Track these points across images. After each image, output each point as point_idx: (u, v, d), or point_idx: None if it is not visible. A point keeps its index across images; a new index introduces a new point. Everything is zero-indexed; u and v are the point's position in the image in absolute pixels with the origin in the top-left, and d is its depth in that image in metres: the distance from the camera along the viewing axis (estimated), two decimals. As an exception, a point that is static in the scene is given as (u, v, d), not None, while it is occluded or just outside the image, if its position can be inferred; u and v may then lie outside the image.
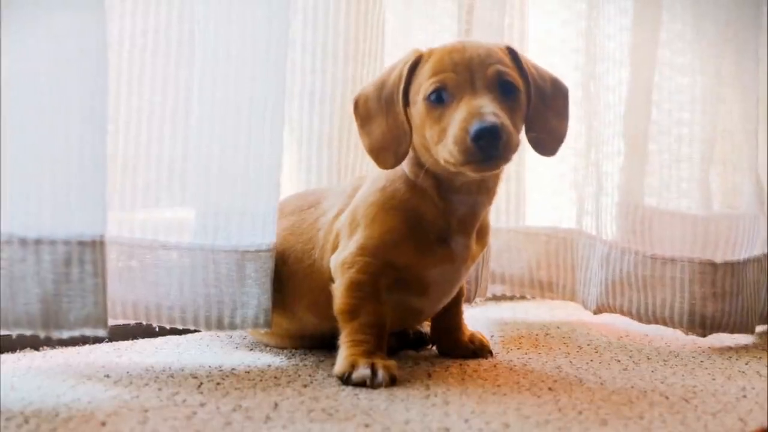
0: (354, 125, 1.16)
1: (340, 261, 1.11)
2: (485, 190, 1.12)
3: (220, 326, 1.15)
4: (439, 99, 1.04)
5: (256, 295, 1.15)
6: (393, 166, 1.10)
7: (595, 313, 1.47)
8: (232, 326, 1.15)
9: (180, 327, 1.16)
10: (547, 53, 1.62)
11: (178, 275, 1.14)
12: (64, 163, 0.99)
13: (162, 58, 1.17)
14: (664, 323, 1.40)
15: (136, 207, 1.16)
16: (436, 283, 1.13)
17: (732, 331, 1.39)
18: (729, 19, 1.44)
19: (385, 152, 1.09)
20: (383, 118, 1.10)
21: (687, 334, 1.40)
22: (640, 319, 1.42)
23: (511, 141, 1.00)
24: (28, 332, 0.99)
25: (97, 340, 1.24)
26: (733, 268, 1.39)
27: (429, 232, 1.10)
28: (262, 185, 1.15)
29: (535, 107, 1.10)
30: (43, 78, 0.98)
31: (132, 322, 1.17)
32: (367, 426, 0.88)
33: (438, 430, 0.87)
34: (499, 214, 1.58)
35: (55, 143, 0.99)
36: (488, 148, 0.99)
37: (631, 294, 1.42)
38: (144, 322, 1.15)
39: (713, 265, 1.38)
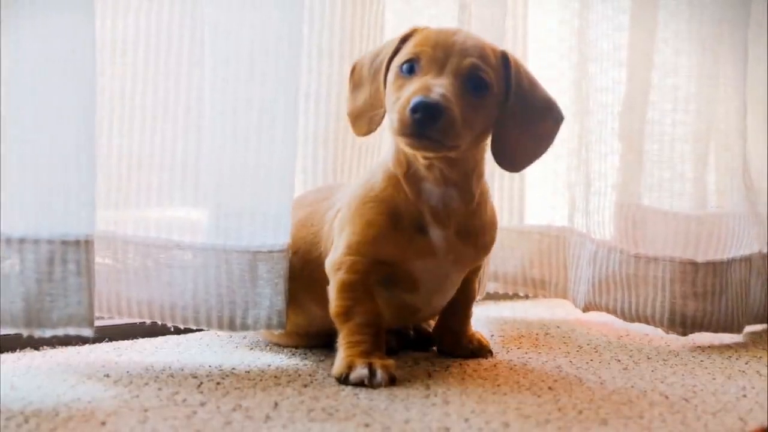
0: (349, 125, 1.17)
1: (331, 263, 1.11)
2: (452, 184, 1.10)
3: (232, 327, 1.15)
4: (410, 70, 1.05)
5: (269, 296, 1.15)
6: (366, 134, 1.12)
7: (583, 311, 1.48)
8: (244, 327, 1.16)
9: (194, 327, 1.17)
10: (546, 51, 1.62)
11: (192, 275, 1.14)
12: (50, 163, 0.99)
13: (175, 57, 1.17)
14: (646, 321, 1.41)
15: (150, 206, 1.18)
16: (424, 278, 1.12)
17: (716, 331, 1.40)
18: (723, 18, 1.44)
19: (361, 119, 1.12)
20: (368, 87, 1.12)
21: (667, 332, 1.41)
22: (623, 317, 1.43)
23: (453, 127, 1.00)
24: (11, 331, 1.00)
25: (96, 339, 1.24)
26: (715, 267, 1.39)
27: (405, 222, 1.10)
28: (274, 185, 1.15)
29: (514, 118, 1.08)
30: (29, 78, 0.98)
31: (148, 321, 1.17)
32: (367, 426, 0.88)
33: (438, 429, 0.87)
34: (501, 212, 1.58)
35: (41, 143, 0.99)
36: (423, 124, 0.99)
37: (616, 292, 1.43)
38: (159, 322, 1.16)
39: (694, 265, 1.38)
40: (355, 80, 1.14)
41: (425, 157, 1.07)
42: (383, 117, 1.10)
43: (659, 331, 1.45)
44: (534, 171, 1.63)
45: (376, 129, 1.11)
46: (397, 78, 1.06)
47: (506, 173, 1.58)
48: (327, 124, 1.37)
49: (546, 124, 1.12)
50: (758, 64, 1.56)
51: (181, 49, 1.17)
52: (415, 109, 0.98)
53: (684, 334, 1.39)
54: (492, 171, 1.55)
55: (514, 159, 1.12)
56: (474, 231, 1.14)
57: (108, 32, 1.16)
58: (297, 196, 1.25)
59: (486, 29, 1.44)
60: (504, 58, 1.09)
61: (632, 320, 1.42)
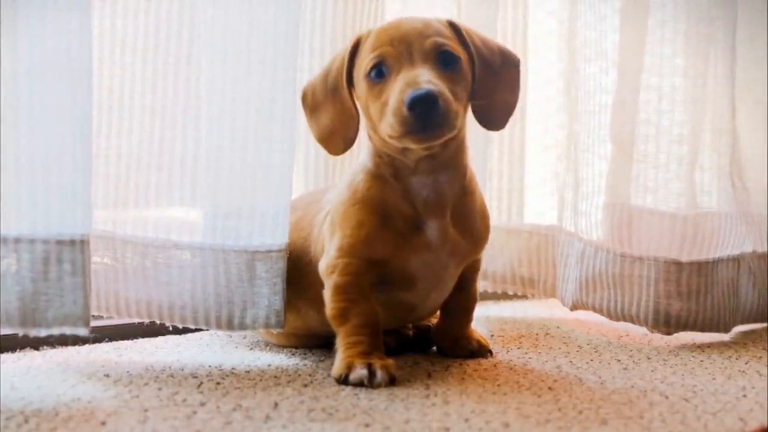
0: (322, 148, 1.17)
1: (324, 266, 1.11)
2: (444, 168, 1.10)
3: (230, 326, 1.16)
4: (379, 74, 1.05)
5: (266, 295, 1.15)
6: (342, 152, 1.12)
7: (571, 309, 1.48)
8: (243, 326, 1.16)
9: (192, 326, 1.17)
10: (546, 51, 1.62)
11: (190, 275, 1.15)
12: (46, 162, 1.00)
13: (172, 57, 1.18)
14: (632, 321, 1.41)
15: (149, 206, 1.18)
16: (421, 274, 1.12)
17: (701, 330, 1.40)
18: (712, 18, 1.44)
19: (334, 138, 1.12)
20: (330, 106, 1.11)
21: (652, 332, 1.41)
22: (609, 317, 1.43)
23: (450, 108, 1.00)
24: (6, 330, 1.00)
25: (96, 339, 1.24)
26: (700, 267, 1.39)
27: (397, 220, 1.10)
28: (272, 185, 1.16)
29: (482, 78, 1.10)
30: (24, 78, 0.98)
31: (146, 320, 1.18)
32: (367, 426, 0.88)
33: (438, 429, 0.87)
34: (491, 211, 1.58)
35: (37, 143, 0.99)
36: (425, 116, 0.99)
37: (602, 291, 1.43)
38: (157, 321, 1.17)
39: (679, 264, 1.39)
40: (310, 105, 1.14)
41: (427, 148, 1.06)
42: (357, 129, 1.10)
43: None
44: (527, 171, 1.64)
45: (353, 144, 1.11)
46: (370, 87, 1.06)
47: (496, 172, 1.59)
48: None
49: (509, 72, 1.14)
50: (757, 64, 1.56)
51: (179, 49, 1.18)
52: (412, 106, 0.98)
53: (669, 333, 1.40)
54: (486, 170, 1.56)
55: (496, 117, 1.13)
56: (467, 217, 1.14)
57: (106, 32, 1.16)
58: (291, 200, 1.25)
59: (477, 28, 1.44)
60: (452, 26, 1.11)
61: (618, 319, 1.43)
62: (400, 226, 1.10)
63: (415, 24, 1.07)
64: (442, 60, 1.05)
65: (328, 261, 1.11)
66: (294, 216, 1.21)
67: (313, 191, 1.32)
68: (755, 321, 1.52)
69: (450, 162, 1.11)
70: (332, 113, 1.11)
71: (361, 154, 1.19)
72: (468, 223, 1.14)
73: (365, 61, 1.06)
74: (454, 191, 1.12)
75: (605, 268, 1.42)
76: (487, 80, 1.11)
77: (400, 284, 1.13)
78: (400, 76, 1.03)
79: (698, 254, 1.41)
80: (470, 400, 0.98)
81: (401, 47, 1.04)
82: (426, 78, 1.00)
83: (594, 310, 1.45)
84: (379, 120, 1.04)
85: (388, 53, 1.05)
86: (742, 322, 1.49)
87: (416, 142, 1.03)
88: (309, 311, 1.19)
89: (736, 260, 1.45)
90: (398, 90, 1.01)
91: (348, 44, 1.11)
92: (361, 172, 1.13)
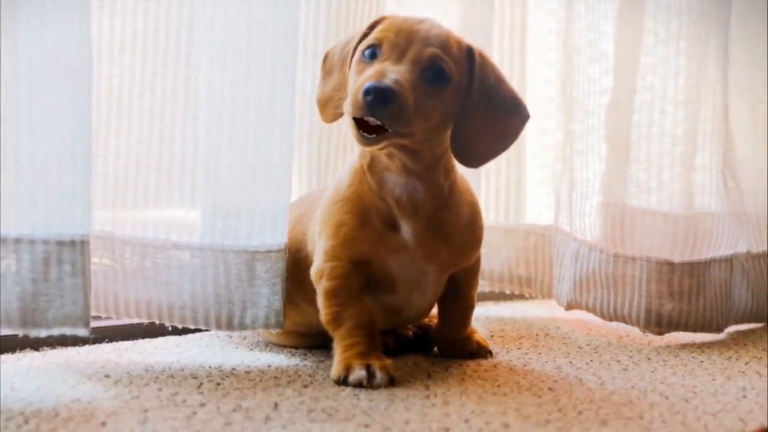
0: (333, 124, 1.18)
1: (314, 271, 1.12)
2: (416, 174, 1.09)
3: (230, 326, 1.16)
4: (372, 55, 1.05)
5: (266, 295, 1.16)
6: (332, 120, 1.12)
7: (566, 309, 1.49)
8: (242, 326, 1.16)
9: (191, 327, 1.17)
10: (546, 52, 1.62)
11: (190, 275, 1.15)
12: (46, 163, 1.00)
13: (171, 57, 1.18)
14: (624, 321, 1.42)
15: (148, 206, 1.18)
16: (399, 276, 1.11)
17: (693, 330, 1.41)
18: (706, 19, 1.44)
19: (329, 105, 1.12)
20: (337, 74, 1.12)
21: (644, 332, 1.41)
22: (602, 316, 1.44)
23: (402, 113, 0.99)
24: (6, 331, 1.00)
25: (96, 340, 1.24)
26: (692, 267, 1.40)
27: (374, 217, 1.10)
28: (271, 185, 1.16)
29: (473, 111, 1.07)
30: (24, 78, 0.98)
31: (146, 320, 1.18)
32: (367, 426, 0.88)
33: (438, 430, 0.87)
34: (488, 211, 1.58)
35: (37, 143, 0.99)
36: (374, 108, 0.98)
37: (596, 291, 1.44)
38: (157, 322, 1.17)
39: (671, 265, 1.39)
40: (326, 68, 1.15)
41: (370, 143, 1.05)
42: None
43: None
44: (526, 171, 1.64)
45: (341, 116, 1.10)
46: (359, 63, 1.06)
47: (494, 171, 1.59)
48: (311, 121, 1.37)
49: (510, 121, 1.11)
50: (755, 64, 1.57)
51: (178, 49, 1.18)
52: (367, 92, 0.98)
53: (660, 333, 1.40)
54: (483, 169, 1.55)
55: (472, 154, 1.11)
56: (446, 226, 1.12)
57: (105, 32, 1.16)
58: (301, 195, 1.25)
59: (473, 27, 1.44)
60: (469, 52, 1.09)
61: (611, 319, 1.43)
62: (377, 223, 1.10)
63: (429, 29, 1.06)
64: (431, 73, 1.04)
65: (317, 266, 1.11)
66: (299, 211, 1.22)
67: (321, 189, 1.32)
68: (749, 321, 1.52)
69: (423, 173, 1.09)
70: (336, 81, 1.12)
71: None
72: (449, 233, 1.12)
73: (368, 39, 1.07)
74: (428, 202, 1.10)
75: (599, 267, 1.43)
76: (480, 116, 1.08)
77: (383, 286, 1.12)
78: (381, 65, 1.02)
79: (690, 255, 1.42)
80: (470, 401, 0.98)
81: (401, 41, 1.04)
82: (394, 76, 1.00)
83: (588, 309, 1.45)
84: (349, 95, 1.03)
85: (388, 39, 1.04)
86: (736, 323, 1.50)
87: (356, 132, 1.02)
88: (307, 307, 1.19)
89: (729, 260, 1.45)
90: (367, 75, 1.01)
91: (371, 21, 1.11)
92: (348, 168, 1.13)
